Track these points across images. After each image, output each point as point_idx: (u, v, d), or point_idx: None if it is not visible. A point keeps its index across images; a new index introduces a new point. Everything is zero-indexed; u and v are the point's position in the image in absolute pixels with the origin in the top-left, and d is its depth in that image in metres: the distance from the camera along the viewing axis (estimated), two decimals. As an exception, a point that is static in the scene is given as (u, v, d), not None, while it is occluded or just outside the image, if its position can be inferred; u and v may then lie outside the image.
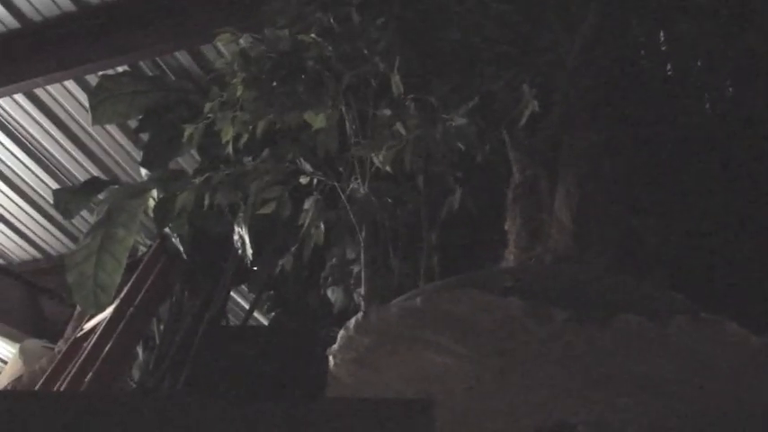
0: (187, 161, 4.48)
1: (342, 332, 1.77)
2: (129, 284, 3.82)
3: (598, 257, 2.28)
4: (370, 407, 1.49)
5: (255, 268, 3.35)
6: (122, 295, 3.79)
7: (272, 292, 3.66)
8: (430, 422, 1.45)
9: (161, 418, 1.67)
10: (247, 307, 4.26)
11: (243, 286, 4.25)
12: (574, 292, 1.70)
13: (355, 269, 2.76)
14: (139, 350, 3.87)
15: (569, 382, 1.76)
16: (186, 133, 2.67)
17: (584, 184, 2.36)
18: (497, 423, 1.85)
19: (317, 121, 2.48)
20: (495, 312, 1.61)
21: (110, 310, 3.77)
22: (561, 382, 1.76)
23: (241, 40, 2.64)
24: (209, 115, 2.60)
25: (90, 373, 3.50)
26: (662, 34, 2.78)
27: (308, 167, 2.64)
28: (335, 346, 1.79)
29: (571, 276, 1.84)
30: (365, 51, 2.46)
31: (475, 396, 1.80)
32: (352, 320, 1.75)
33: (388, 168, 2.36)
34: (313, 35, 2.55)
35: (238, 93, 2.57)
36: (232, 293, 4.45)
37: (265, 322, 4.32)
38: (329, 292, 2.92)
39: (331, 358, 1.81)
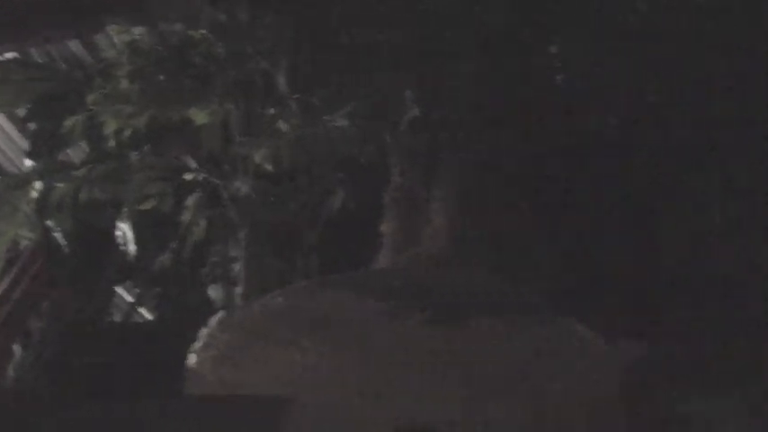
0: (77, 153, 4.35)
1: (204, 330, 1.76)
2: (8, 279, 3.68)
3: (474, 260, 2.33)
4: (224, 404, 1.49)
5: (140, 264, 3.29)
6: (1, 290, 3.65)
7: (158, 288, 3.59)
8: (283, 419, 1.46)
9: (33, 417, 1.65)
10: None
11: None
12: (434, 294, 1.74)
13: (236, 267, 2.75)
14: (17, 348, 3.74)
15: (429, 383, 1.80)
16: (66, 124, 2.62)
17: (463, 188, 2.42)
18: (359, 422, 1.87)
19: (200, 117, 2.47)
20: (353, 313, 1.64)
21: (-13, 305, 3.63)
22: (421, 382, 1.80)
23: (135, 32, 2.60)
24: (92, 107, 2.56)
25: (-38, 371, 3.35)
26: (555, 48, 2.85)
27: (191, 164, 2.63)
28: (198, 344, 1.78)
29: (435, 278, 1.88)
30: (251, 50, 2.47)
31: (337, 395, 1.81)
32: (215, 318, 1.74)
33: (269, 167, 2.37)
34: (203, 31, 2.54)
35: (123, 85, 2.54)
36: (121, 290, 4.35)
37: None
38: (210, 290, 2.90)
39: (193, 355, 1.80)
